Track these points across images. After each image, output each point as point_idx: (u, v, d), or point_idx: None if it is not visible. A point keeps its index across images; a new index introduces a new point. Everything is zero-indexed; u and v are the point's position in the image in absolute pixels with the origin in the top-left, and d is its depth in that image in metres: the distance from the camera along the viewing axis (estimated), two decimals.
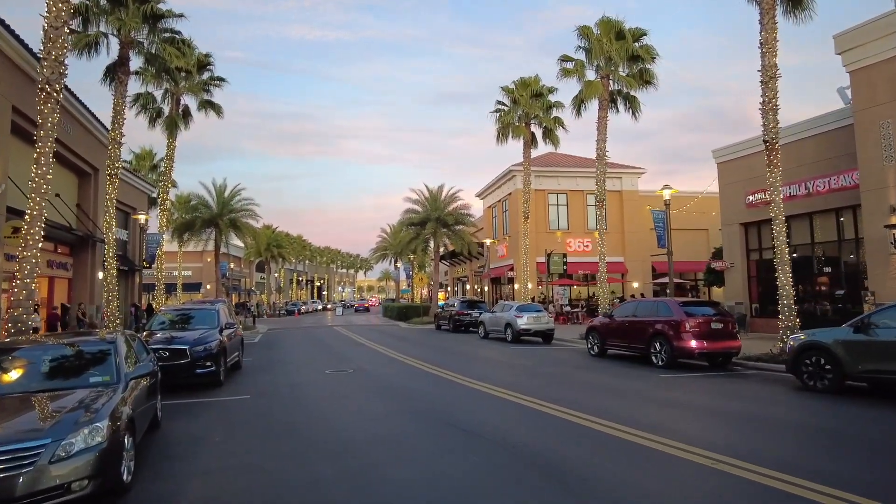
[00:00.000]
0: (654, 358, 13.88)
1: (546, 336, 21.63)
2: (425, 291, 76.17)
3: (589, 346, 16.85)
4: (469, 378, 11.83)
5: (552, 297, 34.54)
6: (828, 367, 9.85)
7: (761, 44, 14.53)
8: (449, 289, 61.51)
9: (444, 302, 43.08)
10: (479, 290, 50.46)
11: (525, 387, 10.67)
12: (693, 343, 13.17)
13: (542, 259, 31.96)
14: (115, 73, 18.00)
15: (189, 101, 26.14)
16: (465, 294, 54.18)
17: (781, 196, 14.33)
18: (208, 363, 11.07)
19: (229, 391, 10.90)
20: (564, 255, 28.40)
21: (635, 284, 37.47)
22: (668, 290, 20.06)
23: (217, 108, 26.49)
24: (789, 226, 21.50)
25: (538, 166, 34.25)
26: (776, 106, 14.40)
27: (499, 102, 29.48)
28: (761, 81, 14.55)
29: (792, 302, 13.92)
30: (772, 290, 22.47)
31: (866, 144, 16.17)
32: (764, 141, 14.59)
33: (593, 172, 38.76)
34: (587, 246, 36.87)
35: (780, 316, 14.02)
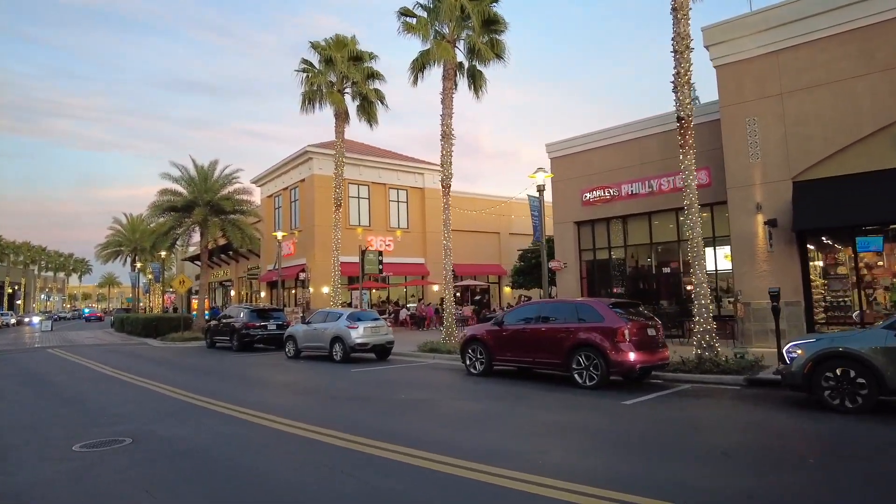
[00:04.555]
0: (578, 376, 10.68)
1: (383, 351, 17.12)
2: (159, 300, 62.97)
3: (469, 362, 12.99)
4: (374, 441, 6.83)
5: (352, 302, 29.94)
6: (861, 380, 7.73)
7: (674, 9, 12.70)
8: (207, 296, 51.56)
9: (209, 311, 34.86)
10: (248, 295, 42.75)
11: (475, 449, 6.23)
12: (633, 356, 10.33)
13: (348, 259, 27.18)
14: None
15: None
16: (228, 302, 45.59)
17: (696, 182, 12.56)
18: None
19: None
20: (380, 254, 24.17)
21: (436, 287, 35.19)
22: (553, 293, 17.55)
23: None
24: (626, 224, 21.18)
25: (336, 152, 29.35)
26: (690, 80, 12.68)
27: (305, 62, 23.88)
28: (674, 51, 12.71)
29: (709, 302, 12.21)
30: (602, 292, 22.04)
31: (732, 141, 15.83)
32: (678, 118, 12.75)
33: (397, 165, 35.61)
34: (389, 245, 33.33)
35: (696, 318, 12.19)
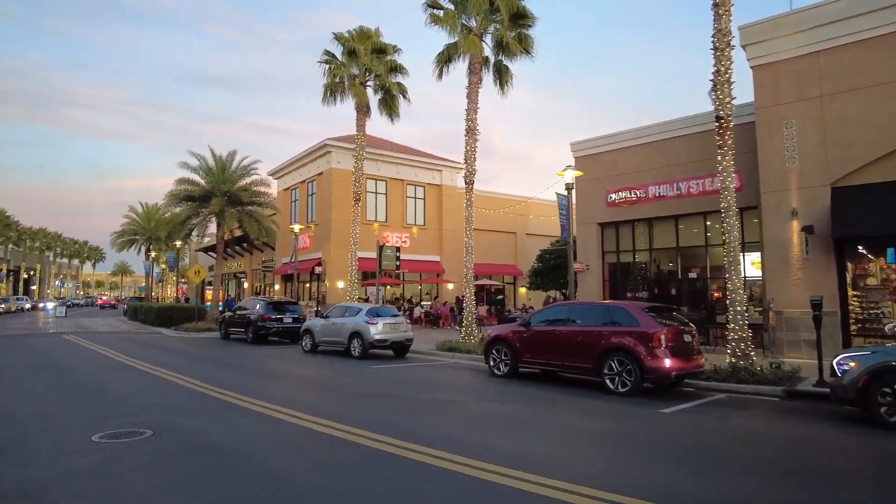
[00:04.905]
0: (609, 382, 10.29)
1: (402, 348, 16.84)
2: (172, 289, 63.10)
3: (493, 363, 12.63)
4: (403, 441, 6.49)
5: (368, 298, 29.67)
6: None
7: (716, 4, 12.23)
8: (221, 288, 51.56)
9: (223, 303, 34.81)
10: (261, 288, 42.66)
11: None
12: (668, 362, 9.93)
13: (364, 254, 26.88)
14: None
15: None
16: (241, 294, 45.57)
17: (734, 185, 12.09)
18: None
19: None
20: (397, 249, 23.87)
21: (451, 286, 34.86)
22: (566, 294, 17.15)
23: None
24: (651, 227, 20.70)
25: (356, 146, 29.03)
26: (731, 78, 12.19)
27: (328, 53, 23.61)
28: (714, 48, 12.23)
29: (744, 308, 11.75)
30: (625, 295, 21.57)
31: (768, 144, 15.30)
32: (717, 117, 12.26)
33: (416, 161, 35.25)
34: (405, 242, 32.98)
35: (730, 325, 11.74)
